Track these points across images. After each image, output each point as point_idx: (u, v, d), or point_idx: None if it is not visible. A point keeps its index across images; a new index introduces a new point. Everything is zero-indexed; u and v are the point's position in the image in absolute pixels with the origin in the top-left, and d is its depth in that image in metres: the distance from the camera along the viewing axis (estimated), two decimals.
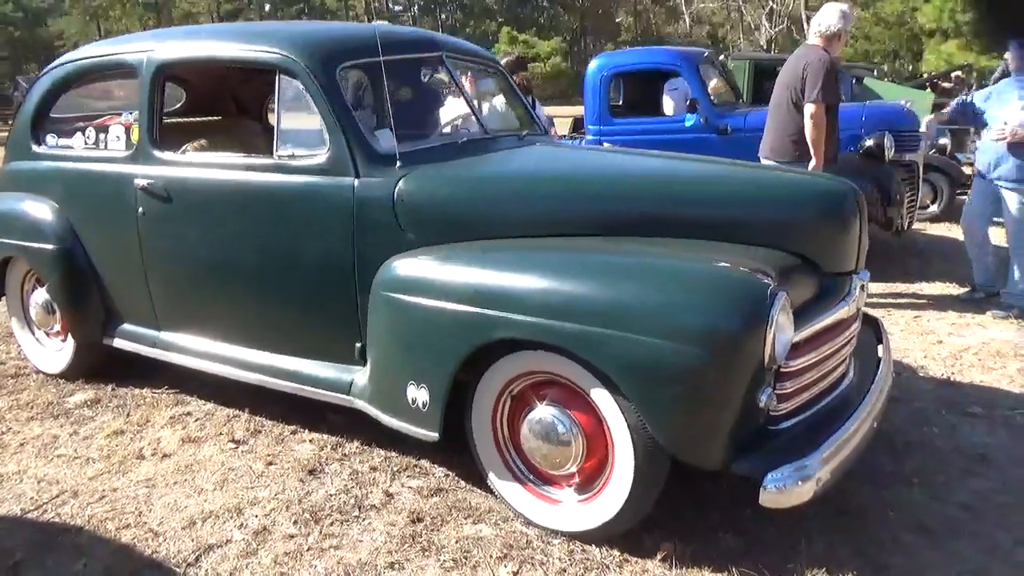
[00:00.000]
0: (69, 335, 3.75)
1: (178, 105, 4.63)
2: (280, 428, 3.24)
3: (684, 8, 43.93)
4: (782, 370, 2.19)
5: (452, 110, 3.39)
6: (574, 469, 2.36)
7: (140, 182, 3.21)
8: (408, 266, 2.54)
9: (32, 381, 3.91)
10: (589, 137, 6.42)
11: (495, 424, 2.52)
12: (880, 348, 2.88)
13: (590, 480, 2.37)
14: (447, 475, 2.82)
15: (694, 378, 2.02)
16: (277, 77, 2.88)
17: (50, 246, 3.59)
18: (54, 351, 3.92)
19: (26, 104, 3.88)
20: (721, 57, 7.19)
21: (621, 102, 7.42)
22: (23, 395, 3.75)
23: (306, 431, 3.19)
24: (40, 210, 3.66)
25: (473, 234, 2.60)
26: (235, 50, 3.08)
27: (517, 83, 4.19)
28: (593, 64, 6.48)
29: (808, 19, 30.04)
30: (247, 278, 3.06)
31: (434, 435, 2.51)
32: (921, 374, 3.77)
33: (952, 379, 3.71)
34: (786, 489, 2.04)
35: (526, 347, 2.30)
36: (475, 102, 3.23)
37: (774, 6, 30.48)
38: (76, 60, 3.65)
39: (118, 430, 3.29)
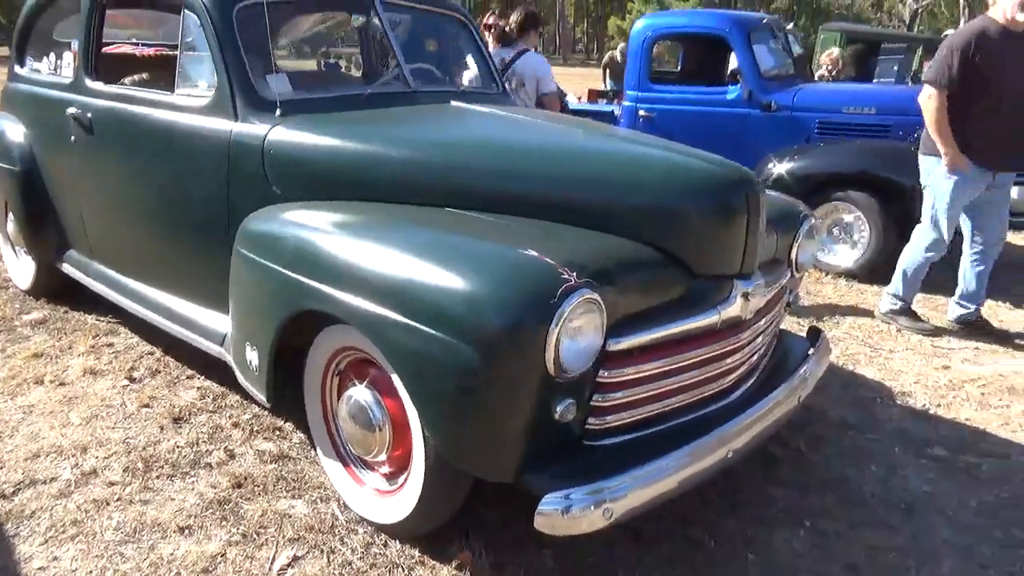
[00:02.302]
0: None
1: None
2: (180, 371, 3.22)
3: None
4: (599, 380, 1.90)
5: (387, 59, 3.18)
6: (383, 457, 2.17)
7: (71, 110, 3.22)
8: (258, 221, 2.40)
9: (5, 295, 4.09)
10: (626, 104, 6.00)
11: (324, 397, 2.37)
12: (802, 367, 2.50)
13: (399, 471, 2.17)
14: (302, 442, 2.69)
15: (465, 378, 1.76)
16: (182, 11, 2.77)
17: (15, 168, 3.69)
18: (25, 268, 4.07)
19: (16, 28, 3.98)
20: (790, 25, 6.50)
21: (680, 68, 6.92)
22: None
23: (201, 378, 3.16)
24: (12, 132, 3.77)
25: (332, 194, 2.42)
26: None
27: (496, 33, 3.92)
28: (638, 24, 6.01)
29: None
30: (148, 215, 3.03)
31: (264, 399, 2.39)
32: (899, 402, 3.29)
33: (933, 412, 3.21)
34: (568, 515, 1.77)
35: (339, 321, 2.11)
36: (401, 51, 2.98)
37: None
38: None
39: (39, 352, 3.37)
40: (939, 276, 4.48)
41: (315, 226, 2.21)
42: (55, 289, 3.95)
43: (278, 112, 2.58)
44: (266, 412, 2.87)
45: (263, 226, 2.37)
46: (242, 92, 2.61)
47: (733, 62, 5.75)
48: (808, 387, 2.48)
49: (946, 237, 3.95)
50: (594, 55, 61.41)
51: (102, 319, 3.74)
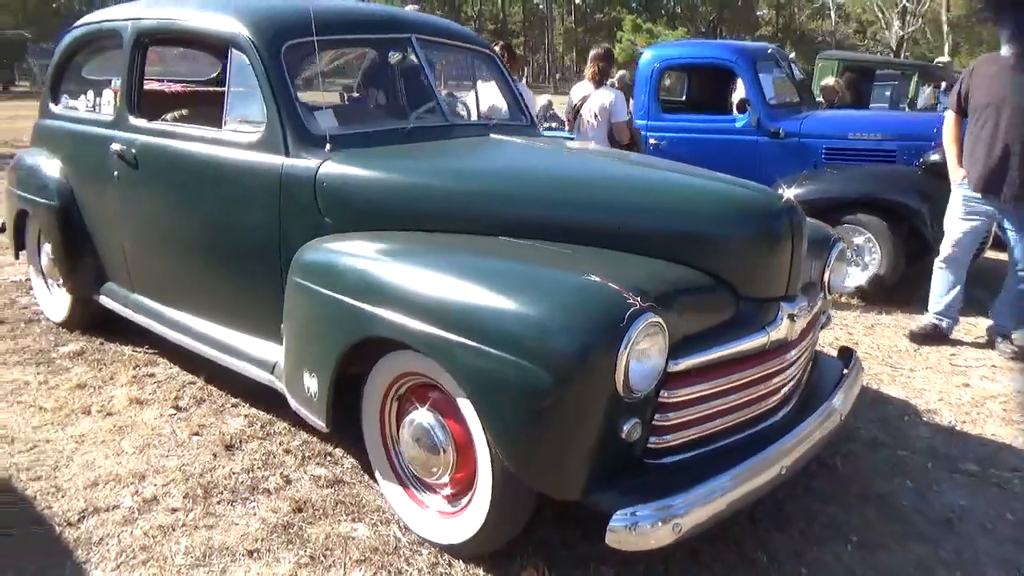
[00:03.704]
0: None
1: (215, 74, 4.78)
2: (225, 399, 3.28)
3: (830, 3, 41.33)
4: (660, 400, 1.99)
5: (425, 95, 3.28)
6: (446, 479, 2.24)
7: (115, 147, 3.31)
8: (313, 252, 2.48)
9: (39, 328, 4.15)
10: None
11: (383, 422, 2.43)
12: (840, 386, 2.59)
13: (461, 493, 2.24)
14: (354, 467, 2.75)
15: (536, 399, 1.84)
16: (229, 50, 2.87)
17: (52, 203, 3.76)
18: (59, 301, 4.13)
19: (50, 66, 4.08)
20: (791, 55, 6.69)
21: (684, 97, 7.08)
22: (25, 340, 3.98)
23: (247, 405, 3.22)
24: (48, 168, 3.85)
25: (385, 224, 2.50)
26: (197, 20, 3.10)
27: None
28: (646, 55, 6.17)
29: (950, 22, 27.69)
30: (195, 249, 3.10)
31: (323, 425, 2.45)
32: (925, 419, 3.37)
33: (959, 429, 3.29)
34: (637, 530, 1.84)
35: (402, 347, 2.19)
36: (440, 87, 3.10)
37: (907, 4, 27.97)
38: (80, 26, 3.80)
39: (82, 383, 3.42)
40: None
41: (376, 255, 2.29)
42: (89, 322, 4.01)
43: (327, 147, 2.67)
44: (315, 438, 2.93)
45: (320, 256, 2.45)
46: (292, 128, 2.70)
47: (740, 91, 5.92)
48: (848, 405, 2.57)
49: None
50: None
51: (139, 350, 3.80)
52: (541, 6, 63.80)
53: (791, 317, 2.24)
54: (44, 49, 35.67)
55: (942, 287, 4.27)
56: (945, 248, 4.23)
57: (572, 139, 5.43)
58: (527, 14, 64.53)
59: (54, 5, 37.25)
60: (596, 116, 5.30)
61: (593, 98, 5.32)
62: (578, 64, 68.45)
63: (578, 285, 1.93)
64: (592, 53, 5.48)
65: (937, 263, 4.28)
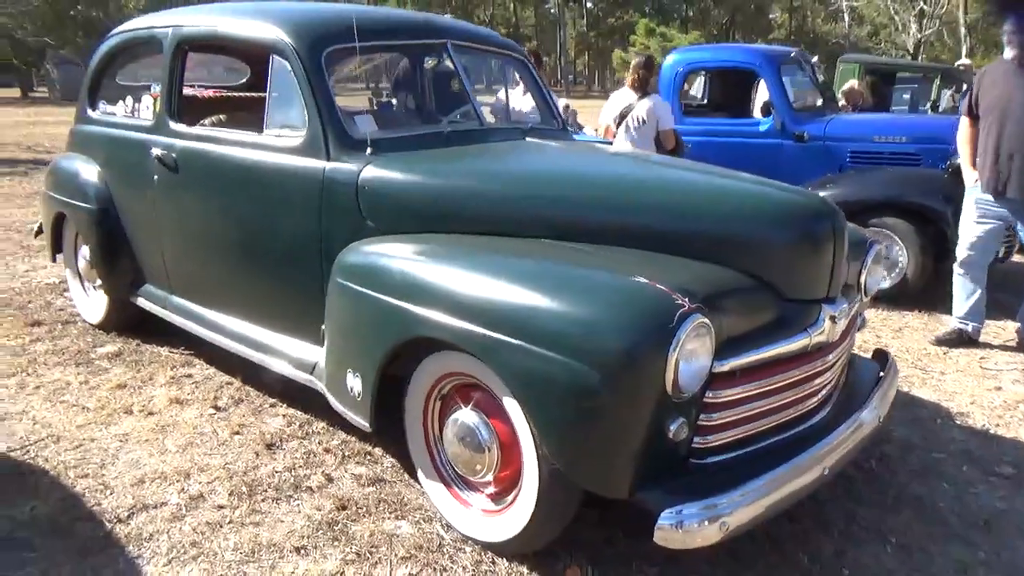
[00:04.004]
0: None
1: (243, 80, 4.85)
2: (262, 399, 3.33)
3: (844, 6, 41.10)
4: (705, 400, 2.01)
5: (458, 99, 3.33)
6: (490, 478, 2.27)
7: (156, 151, 3.37)
8: (357, 253, 2.52)
9: (75, 329, 4.22)
10: None
11: (426, 422, 2.47)
12: (878, 389, 2.61)
13: (505, 491, 2.27)
14: (394, 466, 2.79)
15: (585, 398, 1.88)
16: (270, 56, 2.93)
17: (91, 206, 3.83)
18: (95, 303, 4.19)
19: (87, 72, 4.16)
20: (815, 59, 6.70)
21: (707, 100, 7.09)
22: (63, 341, 4.05)
23: (284, 405, 3.26)
24: (86, 172, 3.92)
25: (427, 226, 2.54)
26: (238, 27, 3.15)
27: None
28: (669, 59, 6.20)
29: (967, 25, 27.48)
30: (236, 251, 3.15)
31: (367, 425, 2.49)
32: (958, 422, 3.38)
33: (992, 432, 3.29)
34: (684, 528, 1.87)
35: (447, 347, 2.23)
36: (473, 91, 3.14)
37: (924, 7, 27.78)
38: (120, 33, 3.87)
39: (122, 384, 3.48)
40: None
41: (421, 257, 2.33)
42: (125, 323, 4.07)
43: (368, 151, 2.71)
44: (353, 437, 2.97)
45: (364, 258, 2.49)
46: (334, 132, 2.75)
47: (763, 94, 5.93)
48: (885, 408, 2.58)
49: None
50: (595, 88, 62.24)
51: (175, 351, 3.86)
52: (553, 10, 64.02)
53: (832, 319, 2.26)
54: (62, 56, 36.17)
55: (963, 292, 4.28)
56: (961, 252, 4.24)
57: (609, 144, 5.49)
58: (539, 18, 64.74)
59: (71, 13, 37.73)
60: (643, 122, 5.38)
61: (639, 105, 5.41)
62: (590, 68, 68.65)
63: (626, 286, 1.96)
64: (634, 62, 5.55)
65: (955, 268, 4.28)
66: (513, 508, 2.22)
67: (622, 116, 5.41)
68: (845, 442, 2.27)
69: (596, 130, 9.36)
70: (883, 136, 5.59)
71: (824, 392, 2.41)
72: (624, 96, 5.50)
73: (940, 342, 4.33)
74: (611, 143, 5.48)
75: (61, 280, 4.91)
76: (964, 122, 4.23)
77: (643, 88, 5.44)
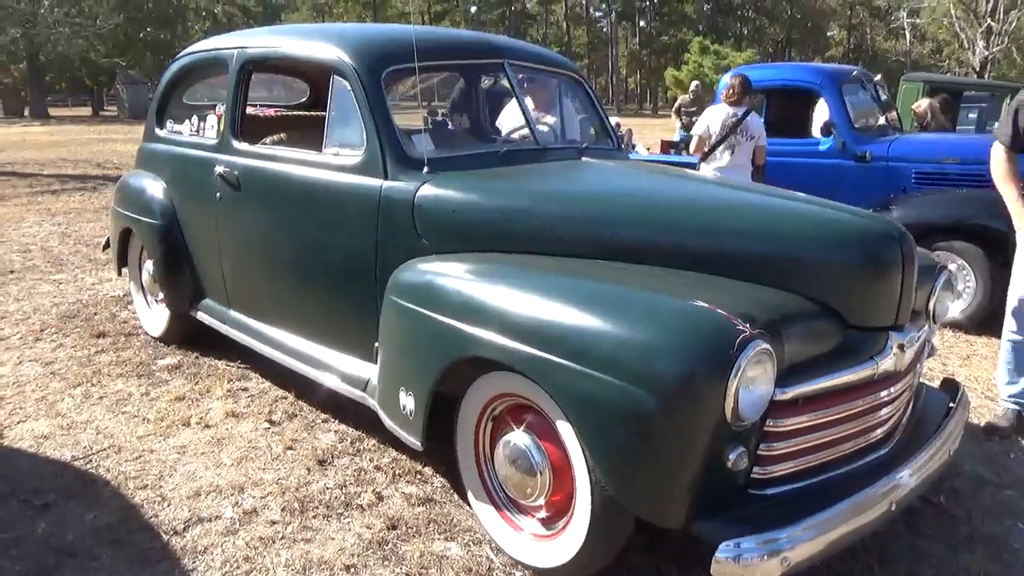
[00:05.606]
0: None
1: (303, 99, 4.96)
2: (315, 415, 3.36)
3: (905, 23, 40.18)
4: (766, 429, 1.95)
5: (514, 118, 3.33)
6: (542, 501, 2.24)
7: (219, 169, 3.45)
8: (412, 272, 2.53)
9: (138, 341, 4.34)
10: None
11: (477, 443, 2.45)
12: (949, 420, 2.49)
13: (557, 516, 2.23)
14: (443, 487, 2.78)
15: (641, 424, 1.83)
16: (330, 76, 2.98)
17: (156, 221, 3.95)
18: (157, 316, 4.31)
19: (156, 92, 4.30)
20: (878, 77, 6.54)
21: (764, 120, 6.97)
22: (126, 352, 4.16)
23: (336, 421, 3.29)
24: (153, 189, 4.04)
25: (483, 246, 2.54)
26: (300, 47, 3.22)
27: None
28: (726, 78, 6.12)
29: None
30: (293, 268, 3.20)
31: (418, 444, 2.49)
32: None
33: None
34: (743, 562, 1.80)
35: (501, 367, 2.21)
36: (531, 110, 3.14)
37: (992, 24, 26.88)
38: (187, 55, 3.99)
39: (180, 396, 3.56)
40: None
41: (477, 276, 2.33)
42: (185, 336, 4.17)
43: (425, 170, 2.73)
44: (404, 456, 2.97)
45: (419, 276, 2.50)
46: (392, 152, 2.77)
47: (823, 113, 5.80)
48: (956, 441, 2.47)
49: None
50: (647, 105, 62.01)
51: (232, 364, 3.93)
52: (605, 28, 64.12)
53: (900, 347, 2.18)
54: (131, 76, 37.76)
55: (1012, 364, 3.42)
56: (1011, 305, 3.36)
57: (695, 165, 5.51)
58: (591, 36, 64.89)
59: (141, 36, 39.42)
60: (751, 137, 5.47)
61: (751, 120, 5.48)
62: (641, 87, 68.43)
63: (685, 310, 1.92)
64: (731, 79, 5.64)
65: (1006, 333, 3.41)
66: (565, 534, 2.18)
67: (730, 128, 5.42)
68: (914, 476, 2.18)
69: (648, 149, 9.31)
70: (951, 157, 5.40)
71: (891, 423, 2.32)
72: (722, 109, 5.54)
73: (992, 431, 3.40)
74: (697, 157, 5.49)
75: (126, 293, 5.06)
76: (1001, 154, 3.38)
77: (740, 104, 5.47)
